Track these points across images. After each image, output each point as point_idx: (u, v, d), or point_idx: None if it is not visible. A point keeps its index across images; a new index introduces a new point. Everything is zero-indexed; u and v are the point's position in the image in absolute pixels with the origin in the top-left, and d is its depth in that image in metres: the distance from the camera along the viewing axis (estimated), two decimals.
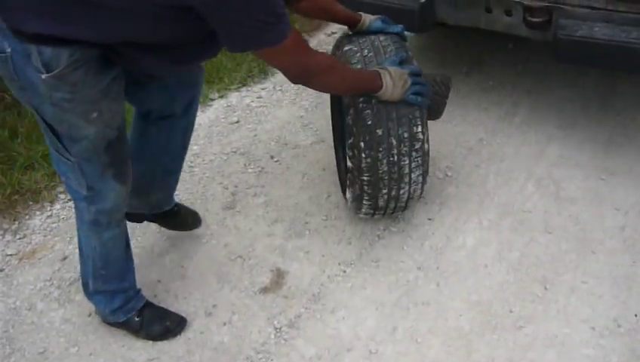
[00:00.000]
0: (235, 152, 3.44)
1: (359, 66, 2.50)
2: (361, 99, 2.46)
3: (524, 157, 3.21)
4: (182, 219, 2.84)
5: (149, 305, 2.54)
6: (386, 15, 2.89)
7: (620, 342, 2.30)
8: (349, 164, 2.64)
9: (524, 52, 3.98)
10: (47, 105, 1.91)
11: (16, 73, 1.86)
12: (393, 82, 2.36)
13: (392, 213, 2.79)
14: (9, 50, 1.81)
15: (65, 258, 2.89)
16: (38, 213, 3.17)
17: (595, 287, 2.52)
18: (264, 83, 4.05)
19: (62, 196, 3.25)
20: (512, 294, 2.51)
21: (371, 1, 3.10)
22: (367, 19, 2.65)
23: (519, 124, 3.45)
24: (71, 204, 3.18)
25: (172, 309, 2.59)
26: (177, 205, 2.80)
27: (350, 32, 2.69)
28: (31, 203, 3.22)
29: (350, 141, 2.58)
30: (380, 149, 2.47)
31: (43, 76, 1.82)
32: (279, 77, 3.73)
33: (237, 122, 3.68)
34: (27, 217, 3.15)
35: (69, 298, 2.70)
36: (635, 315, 2.40)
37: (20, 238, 3.03)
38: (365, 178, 2.55)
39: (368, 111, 2.45)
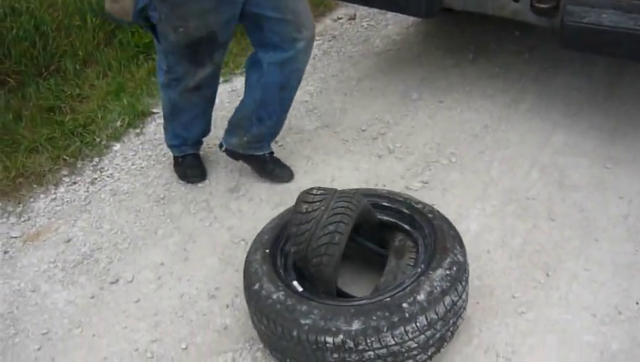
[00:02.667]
0: None
1: None
2: None
3: (529, 144, 3.20)
4: (270, 169, 3.14)
5: (196, 155, 3.27)
6: (392, 1, 2.88)
7: (620, 329, 2.30)
8: None
9: (531, 39, 3.96)
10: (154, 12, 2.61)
11: None
12: None
13: None
14: None
15: (69, 240, 2.91)
16: (42, 196, 3.19)
17: (597, 275, 2.51)
18: None
19: (66, 179, 3.26)
20: (514, 280, 2.51)
21: None
22: None
23: (525, 112, 3.43)
24: (75, 187, 3.21)
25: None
26: (272, 156, 3.15)
27: None
28: (35, 186, 3.23)
29: None
30: None
31: None
32: None
33: None
34: (31, 200, 3.16)
35: (73, 280, 2.71)
36: (637, 303, 2.39)
37: (24, 221, 3.04)
38: None
39: None
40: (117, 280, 2.70)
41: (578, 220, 2.75)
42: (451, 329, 2.16)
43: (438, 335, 2.09)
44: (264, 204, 3.00)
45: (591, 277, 2.50)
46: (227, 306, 2.53)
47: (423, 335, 2.04)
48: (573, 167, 3.04)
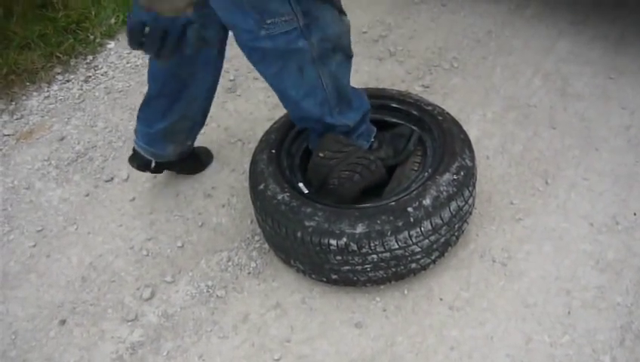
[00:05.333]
0: None
1: None
2: None
3: (533, 51, 3.13)
4: (198, 160, 2.70)
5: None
6: None
7: (617, 238, 2.30)
8: None
9: None
10: None
11: None
12: None
13: None
14: None
15: (62, 138, 2.87)
16: (35, 93, 3.13)
17: (596, 184, 2.49)
18: None
19: (59, 77, 3.20)
20: (512, 187, 2.50)
21: None
22: None
23: (530, 18, 3.35)
24: (68, 85, 3.15)
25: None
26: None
27: None
28: (28, 83, 3.18)
29: None
30: None
31: None
32: None
33: None
34: (24, 98, 3.11)
35: (67, 178, 2.69)
36: (634, 213, 2.38)
37: (17, 119, 3.00)
38: None
39: None
40: (112, 179, 2.68)
41: (579, 129, 2.72)
42: (456, 233, 2.15)
43: (442, 240, 2.09)
44: (261, 105, 2.95)
45: (590, 187, 2.48)
46: (223, 206, 2.52)
47: (427, 240, 2.03)
48: (576, 76, 2.98)
